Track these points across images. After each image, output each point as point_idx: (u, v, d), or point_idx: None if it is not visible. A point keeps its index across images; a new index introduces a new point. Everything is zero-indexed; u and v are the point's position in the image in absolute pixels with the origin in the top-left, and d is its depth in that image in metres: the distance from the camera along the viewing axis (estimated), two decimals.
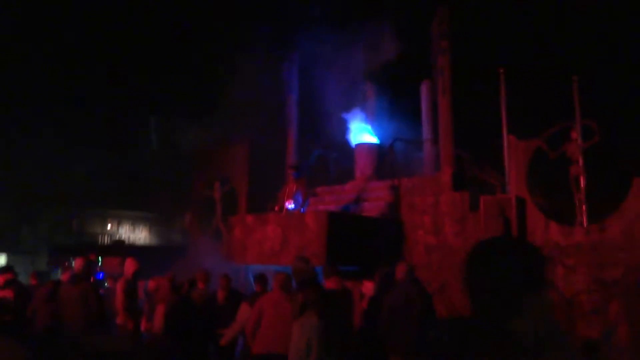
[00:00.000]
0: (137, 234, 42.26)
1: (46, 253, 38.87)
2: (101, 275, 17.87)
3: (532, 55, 14.77)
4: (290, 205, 10.86)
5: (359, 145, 13.34)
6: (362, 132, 13.56)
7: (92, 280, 7.14)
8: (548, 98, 13.61)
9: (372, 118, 14.09)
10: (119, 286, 7.33)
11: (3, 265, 11.40)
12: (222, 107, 15.99)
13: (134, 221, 43.33)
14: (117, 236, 39.83)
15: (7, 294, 8.80)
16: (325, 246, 10.04)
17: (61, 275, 10.62)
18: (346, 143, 14.07)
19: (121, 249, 24.22)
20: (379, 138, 13.57)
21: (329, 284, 6.34)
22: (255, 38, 15.11)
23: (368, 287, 7.70)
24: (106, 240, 38.90)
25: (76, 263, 7.03)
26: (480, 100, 13.49)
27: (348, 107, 14.08)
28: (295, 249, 10.35)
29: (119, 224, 42.74)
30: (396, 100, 14.51)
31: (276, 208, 11.09)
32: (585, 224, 9.88)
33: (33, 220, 42.29)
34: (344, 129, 14.11)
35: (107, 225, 42.24)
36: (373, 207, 11.92)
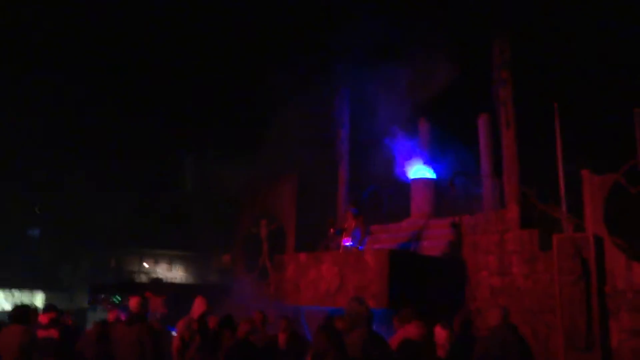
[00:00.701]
0: (173, 273, 42.01)
1: (84, 291, 38.82)
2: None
3: (594, 88, 14.11)
4: (348, 242, 10.30)
5: (415, 180, 12.77)
6: (417, 167, 12.99)
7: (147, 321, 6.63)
8: (614, 132, 12.88)
9: (427, 152, 13.54)
10: (179, 329, 6.80)
11: (47, 304, 11.03)
12: (269, 143, 15.69)
13: (171, 259, 43.18)
14: (154, 274, 39.57)
15: (52, 333, 8.38)
16: (387, 286, 9.43)
17: (108, 315, 10.15)
18: (399, 179, 13.52)
19: (160, 287, 23.81)
20: (434, 173, 12.98)
21: (410, 329, 5.69)
22: (304, 72, 14.85)
23: (442, 335, 6.99)
24: (143, 278, 38.64)
25: (131, 302, 6.54)
26: (541, 134, 12.84)
27: (401, 142, 13.57)
28: (353, 290, 9.76)
29: (155, 262, 42.64)
30: (451, 134, 13.96)
31: (332, 244, 10.52)
32: None
33: (72, 259, 42.44)
34: (397, 164, 13.57)
35: (143, 264, 42.18)
36: (433, 246, 11.26)
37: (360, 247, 10.19)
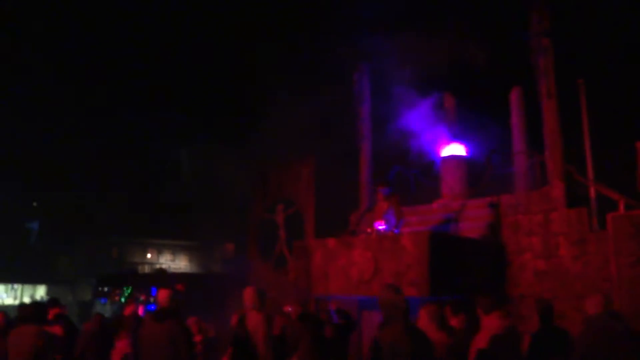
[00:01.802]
0: (177, 263, 41.30)
1: (85, 283, 38.05)
2: (153, 307, 16.67)
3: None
4: (381, 226, 9.46)
5: (445, 159, 11.91)
6: (447, 145, 12.14)
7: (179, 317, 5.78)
8: None
9: (455, 129, 12.70)
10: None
11: (51, 297, 10.18)
12: (281, 125, 14.84)
13: (174, 250, 42.41)
14: (158, 265, 38.84)
15: (56, 330, 7.59)
16: (428, 272, 8.59)
17: (124, 308, 9.34)
18: (425, 158, 12.68)
19: (165, 278, 23.01)
20: (465, 151, 12.13)
21: (490, 321, 4.89)
22: (321, 47, 13.97)
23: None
24: (146, 269, 37.91)
25: (161, 294, 5.71)
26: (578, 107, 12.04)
27: (427, 119, 12.71)
28: (389, 276, 8.93)
29: (158, 252, 41.87)
30: (478, 109, 13.14)
31: (368, 229, 9.68)
32: None
33: (71, 250, 41.68)
34: (422, 142, 12.72)
35: (146, 254, 41.39)
36: (471, 228, 10.46)
37: (396, 230, 9.36)
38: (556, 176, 10.10)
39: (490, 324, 4.87)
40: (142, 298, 15.47)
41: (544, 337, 5.26)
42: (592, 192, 10.99)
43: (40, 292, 37.58)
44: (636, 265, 8.50)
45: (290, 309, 7.69)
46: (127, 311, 9.13)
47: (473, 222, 10.58)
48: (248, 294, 5.94)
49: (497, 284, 10.05)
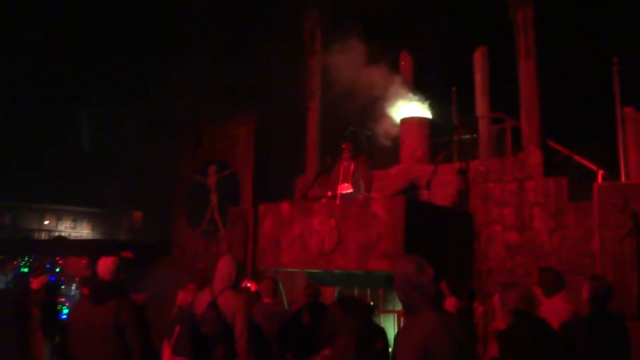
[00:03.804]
0: (78, 230, 38.25)
1: None
2: (53, 278, 14.62)
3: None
4: (347, 189, 8.25)
5: (405, 120, 10.84)
6: (406, 106, 11.06)
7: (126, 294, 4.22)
8: None
9: (412, 90, 11.64)
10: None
11: None
12: (221, 77, 13.20)
13: (75, 216, 39.27)
14: (57, 232, 35.68)
15: None
16: (403, 243, 7.51)
17: (31, 282, 7.50)
18: (381, 118, 11.55)
19: (68, 245, 20.70)
20: (429, 113, 11.10)
21: (554, 304, 3.81)
22: None
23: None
24: (43, 236, 34.67)
25: (101, 264, 4.16)
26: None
27: (382, 77, 11.54)
28: (356, 247, 7.81)
29: (57, 219, 38.59)
30: (438, 69, 12.18)
31: (329, 193, 8.42)
32: None
33: None
34: (377, 102, 11.57)
35: (44, 221, 38.00)
36: (439, 196, 9.48)
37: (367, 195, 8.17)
38: (533, 142, 9.29)
39: (555, 307, 3.78)
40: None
41: (596, 322, 4.25)
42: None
43: None
44: (623, 239, 7.83)
45: (249, 285, 6.32)
46: (35, 285, 7.36)
47: (441, 189, 9.61)
48: (225, 266, 4.51)
49: (465, 258, 9.19)
